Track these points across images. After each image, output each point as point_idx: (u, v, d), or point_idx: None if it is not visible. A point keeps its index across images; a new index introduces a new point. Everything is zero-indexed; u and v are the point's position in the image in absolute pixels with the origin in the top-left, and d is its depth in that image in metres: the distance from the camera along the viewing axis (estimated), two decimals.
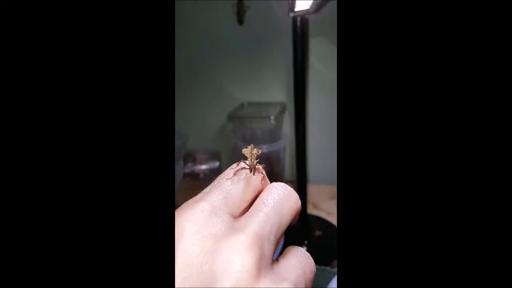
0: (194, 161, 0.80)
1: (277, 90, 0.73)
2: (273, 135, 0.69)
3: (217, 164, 0.80)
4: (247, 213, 0.16)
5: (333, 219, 0.63)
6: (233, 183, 0.16)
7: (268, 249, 0.14)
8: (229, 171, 0.17)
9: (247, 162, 0.18)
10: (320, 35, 0.63)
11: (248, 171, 0.17)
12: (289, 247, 0.16)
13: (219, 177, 0.17)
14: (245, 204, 0.16)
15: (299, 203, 0.17)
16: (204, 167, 0.79)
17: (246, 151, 0.18)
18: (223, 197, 0.16)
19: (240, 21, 0.69)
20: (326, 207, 0.65)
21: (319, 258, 0.43)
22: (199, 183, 0.79)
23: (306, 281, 0.15)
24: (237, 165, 0.18)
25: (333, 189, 0.70)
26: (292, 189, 0.17)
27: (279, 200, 0.16)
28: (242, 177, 0.17)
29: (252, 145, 0.18)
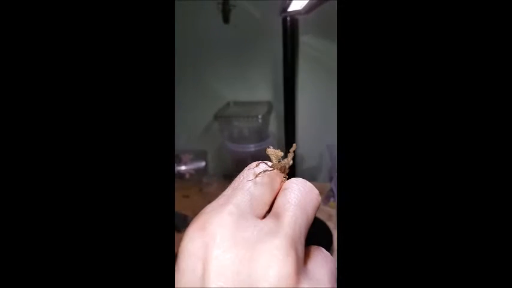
0: (179, 161, 0.78)
1: (263, 90, 0.73)
2: (261, 135, 0.70)
3: (203, 164, 0.79)
4: (273, 214, 0.15)
5: (321, 215, 0.64)
6: (255, 185, 0.16)
7: (301, 251, 0.14)
8: (248, 173, 0.17)
9: (270, 163, 0.17)
10: (308, 33, 0.65)
11: (269, 172, 0.17)
12: (310, 247, 0.16)
13: (238, 178, 0.17)
14: (268, 206, 0.16)
15: (320, 198, 0.17)
16: (189, 167, 0.78)
17: (270, 151, 0.17)
18: (248, 200, 0.15)
19: (226, 20, 0.69)
20: None
21: None
22: (185, 183, 0.78)
23: (335, 281, 0.15)
24: (256, 165, 0.17)
25: (319, 186, 0.72)
26: (311, 185, 0.17)
27: (302, 198, 0.16)
28: (264, 178, 0.16)
29: (271, 147, 0.18)
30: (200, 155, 0.79)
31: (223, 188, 0.17)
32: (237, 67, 0.73)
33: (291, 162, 0.17)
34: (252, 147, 0.68)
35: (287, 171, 0.17)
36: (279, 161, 0.17)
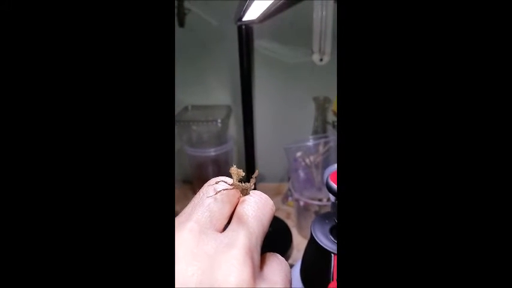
0: None
1: (221, 93, 0.74)
2: (220, 139, 0.71)
3: None
4: (232, 226, 0.16)
5: (280, 214, 0.67)
6: (215, 201, 0.17)
7: (257, 259, 0.15)
8: (208, 189, 0.18)
9: (229, 181, 0.18)
10: (263, 37, 0.67)
11: (227, 187, 0.18)
12: (266, 254, 0.18)
13: (198, 195, 0.18)
14: (227, 219, 0.17)
15: (274, 208, 0.19)
16: None
17: (233, 171, 0.18)
18: (208, 216, 0.16)
19: (181, 23, 0.69)
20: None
21: None
22: None
23: (289, 283, 0.17)
24: (216, 182, 0.18)
25: (278, 186, 0.75)
26: (267, 196, 0.18)
27: (258, 210, 0.17)
28: (222, 194, 0.17)
29: (234, 166, 0.18)
30: None
31: (183, 193, 0.17)
32: (194, 71, 0.72)
33: (253, 186, 0.18)
34: (211, 152, 0.68)
35: (248, 193, 0.18)
36: (239, 181, 0.18)
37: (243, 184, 0.18)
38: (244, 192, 0.18)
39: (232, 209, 0.18)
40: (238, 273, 0.14)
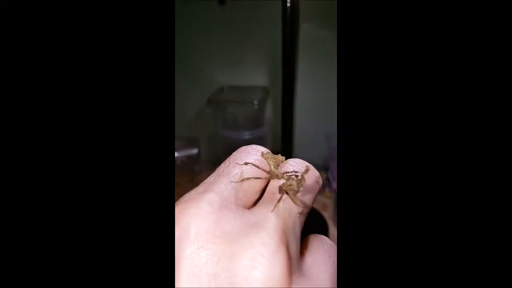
0: None
1: (258, 74, 0.71)
2: (256, 121, 0.68)
3: (195, 151, 0.77)
4: (263, 202, 0.13)
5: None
6: (243, 171, 0.14)
7: (295, 246, 0.12)
8: (235, 157, 0.14)
9: (266, 168, 0.14)
10: (309, 20, 0.62)
11: (260, 158, 0.14)
12: (310, 236, 0.14)
13: (224, 164, 0.14)
14: (258, 194, 0.14)
15: (321, 181, 0.15)
16: (181, 153, 0.76)
17: (267, 156, 0.15)
18: (233, 187, 0.13)
19: (221, 1, 0.66)
20: None
21: None
22: (176, 170, 0.75)
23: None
24: (245, 152, 0.15)
25: None
26: (311, 167, 0.14)
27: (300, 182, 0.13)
28: (253, 162, 0.14)
29: (268, 151, 0.15)
30: (192, 142, 0.77)
31: None
32: (232, 50, 0.69)
33: (303, 183, 0.13)
34: (246, 135, 0.66)
35: (298, 191, 0.13)
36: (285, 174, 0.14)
37: (294, 179, 0.13)
38: (293, 191, 0.13)
39: (267, 181, 0.14)
40: (266, 266, 0.10)
